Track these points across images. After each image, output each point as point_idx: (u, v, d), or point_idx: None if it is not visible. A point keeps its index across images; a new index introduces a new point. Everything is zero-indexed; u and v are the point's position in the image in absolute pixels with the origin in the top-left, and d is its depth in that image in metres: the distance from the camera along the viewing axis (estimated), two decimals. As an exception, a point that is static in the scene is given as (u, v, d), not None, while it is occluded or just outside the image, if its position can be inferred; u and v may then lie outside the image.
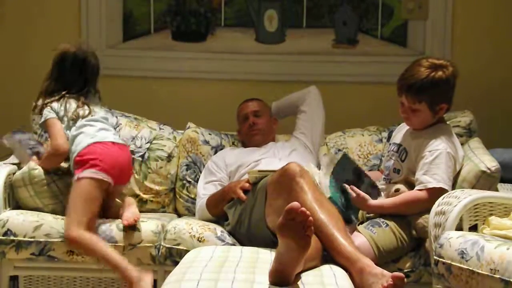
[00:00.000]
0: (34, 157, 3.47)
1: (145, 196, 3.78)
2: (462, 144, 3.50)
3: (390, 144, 3.49)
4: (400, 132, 3.45)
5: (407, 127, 3.40)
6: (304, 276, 2.47)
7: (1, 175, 3.32)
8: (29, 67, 4.46)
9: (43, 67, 4.45)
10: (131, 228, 3.22)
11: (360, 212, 3.31)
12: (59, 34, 4.46)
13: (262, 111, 3.85)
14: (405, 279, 2.50)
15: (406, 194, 3.15)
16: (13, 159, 3.56)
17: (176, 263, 2.87)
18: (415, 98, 3.19)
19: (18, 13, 4.47)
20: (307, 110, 3.88)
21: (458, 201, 2.88)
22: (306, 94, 3.91)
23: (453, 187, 3.21)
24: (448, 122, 3.40)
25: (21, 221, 3.21)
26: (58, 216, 3.29)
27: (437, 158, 3.13)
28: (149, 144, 3.85)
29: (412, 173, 3.22)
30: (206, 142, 3.93)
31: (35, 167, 3.39)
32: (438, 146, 3.15)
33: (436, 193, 3.07)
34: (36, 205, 3.40)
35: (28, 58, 4.47)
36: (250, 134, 3.83)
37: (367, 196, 3.15)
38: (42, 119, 3.47)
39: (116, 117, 3.90)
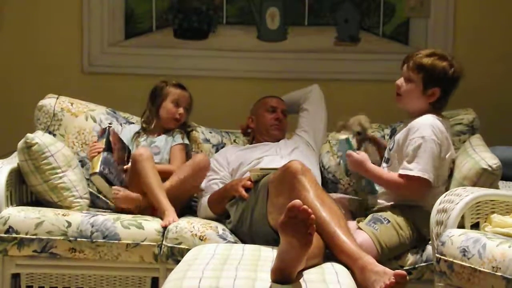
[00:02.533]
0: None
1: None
2: (463, 141, 3.50)
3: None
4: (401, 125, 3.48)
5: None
6: (306, 274, 2.46)
7: (3, 173, 3.32)
8: (30, 65, 4.47)
9: (44, 65, 4.49)
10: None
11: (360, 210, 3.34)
12: (61, 32, 4.48)
13: (286, 113, 3.89)
14: (407, 277, 2.50)
15: (393, 175, 3.21)
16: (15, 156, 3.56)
17: (178, 262, 2.86)
18: (414, 67, 3.25)
19: (19, 12, 4.47)
20: (309, 109, 3.89)
21: (460, 199, 2.88)
22: (308, 93, 3.92)
23: (454, 184, 3.22)
24: (451, 119, 3.40)
25: (23, 218, 3.21)
26: (59, 212, 3.29)
27: (421, 146, 3.14)
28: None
29: (399, 161, 3.25)
30: (207, 140, 3.93)
31: (32, 142, 3.40)
32: (422, 133, 3.16)
33: (416, 182, 3.12)
34: (37, 182, 3.43)
35: (29, 56, 4.47)
36: (273, 127, 3.82)
37: (365, 157, 3.28)
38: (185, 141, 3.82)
39: (121, 124, 3.93)
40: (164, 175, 3.58)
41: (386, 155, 3.36)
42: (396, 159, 3.27)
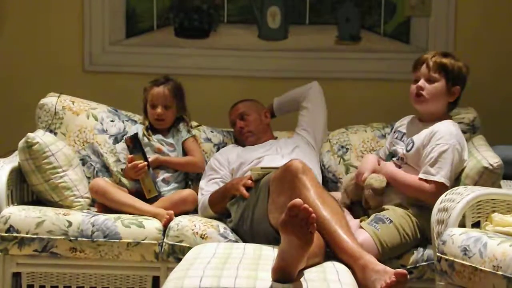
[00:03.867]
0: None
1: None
2: (465, 140, 3.50)
3: (394, 132, 3.49)
4: (405, 122, 3.47)
5: (411, 118, 3.42)
6: (307, 272, 2.47)
7: (4, 172, 3.32)
8: (31, 64, 4.47)
9: (45, 64, 4.49)
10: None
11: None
12: (62, 31, 4.48)
13: (248, 111, 3.84)
14: (408, 276, 2.50)
15: (415, 178, 3.18)
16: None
17: (178, 260, 2.87)
18: (436, 67, 3.27)
19: (20, 10, 4.47)
20: (308, 106, 3.87)
21: (461, 197, 2.87)
22: (307, 90, 3.90)
23: (456, 183, 3.22)
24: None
25: (23, 217, 3.22)
26: (59, 212, 3.29)
27: (445, 153, 3.15)
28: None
29: (416, 163, 3.24)
30: (208, 140, 3.92)
31: (33, 141, 3.40)
32: (448, 141, 3.17)
33: (438, 188, 3.10)
34: (38, 181, 3.44)
35: (30, 55, 4.47)
36: (243, 137, 3.83)
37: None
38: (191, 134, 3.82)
39: (123, 121, 3.92)
40: (189, 168, 3.73)
41: (399, 155, 3.34)
42: (413, 160, 3.26)
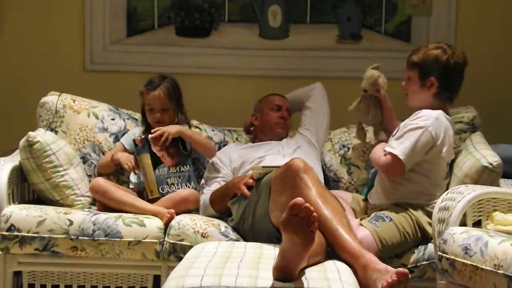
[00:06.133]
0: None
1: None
2: (464, 139, 3.50)
3: None
4: None
5: None
6: (308, 271, 2.47)
7: (5, 171, 3.32)
8: (32, 63, 4.47)
9: (46, 63, 4.49)
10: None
11: (363, 208, 3.35)
12: (63, 30, 4.48)
13: (290, 111, 3.88)
14: (409, 275, 2.50)
15: (378, 149, 3.26)
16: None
17: (179, 258, 2.88)
18: (409, 66, 3.31)
19: (21, 9, 4.47)
20: (312, 107, 3.88)
21: (462, 196, 2.88)
22: (311, 91, 3.91)
23: (455, 182, 3.22)
24: (451, 118, 3.39)
25: (24, 216, 3.22)
26: (60, 210, 3.29)
27: (413, 131, 3.14)
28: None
29: None
30: (210, 139, 3.92)
31: (34, 140, 3.40)
32: (422, 122, 3.15)
33: (392, 160, 3.13)
34: (39, 180, 3.44)
35: (31, 54, 4.47)
36: (277, 125, 3.81)
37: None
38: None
39: (124, 120, 3.91)
40: (205, 150, 3.70)
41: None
42: None
